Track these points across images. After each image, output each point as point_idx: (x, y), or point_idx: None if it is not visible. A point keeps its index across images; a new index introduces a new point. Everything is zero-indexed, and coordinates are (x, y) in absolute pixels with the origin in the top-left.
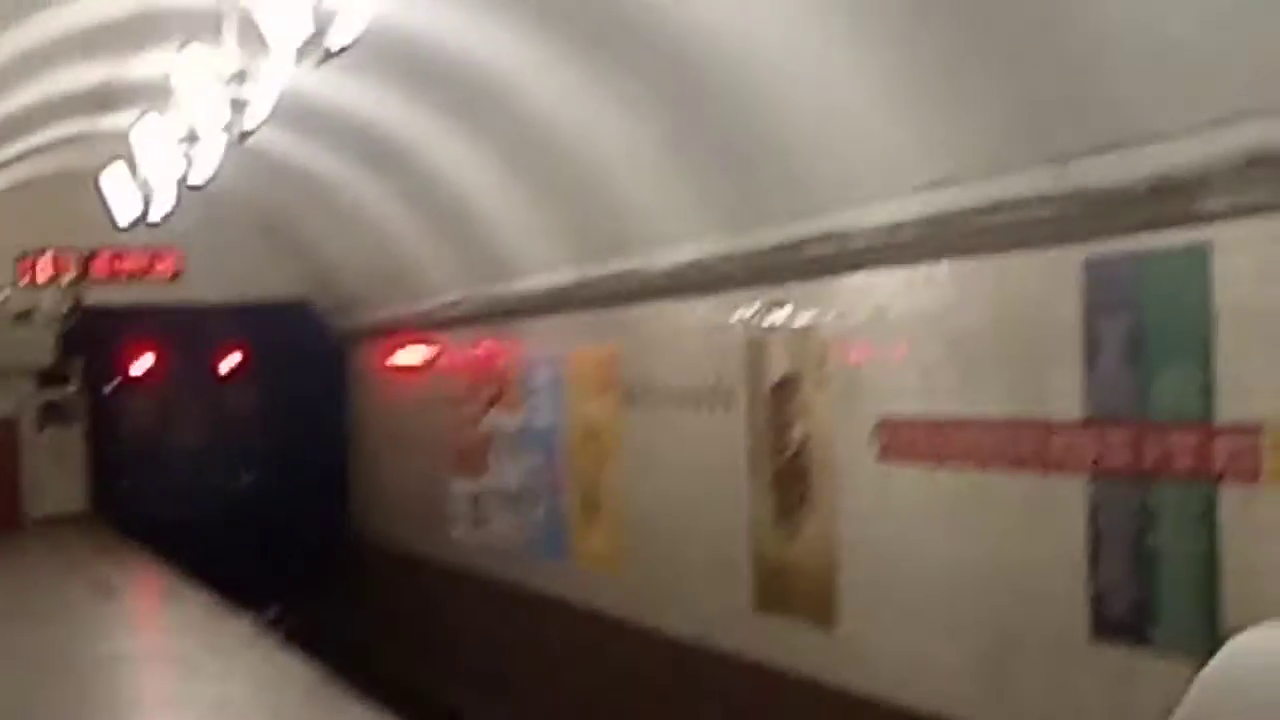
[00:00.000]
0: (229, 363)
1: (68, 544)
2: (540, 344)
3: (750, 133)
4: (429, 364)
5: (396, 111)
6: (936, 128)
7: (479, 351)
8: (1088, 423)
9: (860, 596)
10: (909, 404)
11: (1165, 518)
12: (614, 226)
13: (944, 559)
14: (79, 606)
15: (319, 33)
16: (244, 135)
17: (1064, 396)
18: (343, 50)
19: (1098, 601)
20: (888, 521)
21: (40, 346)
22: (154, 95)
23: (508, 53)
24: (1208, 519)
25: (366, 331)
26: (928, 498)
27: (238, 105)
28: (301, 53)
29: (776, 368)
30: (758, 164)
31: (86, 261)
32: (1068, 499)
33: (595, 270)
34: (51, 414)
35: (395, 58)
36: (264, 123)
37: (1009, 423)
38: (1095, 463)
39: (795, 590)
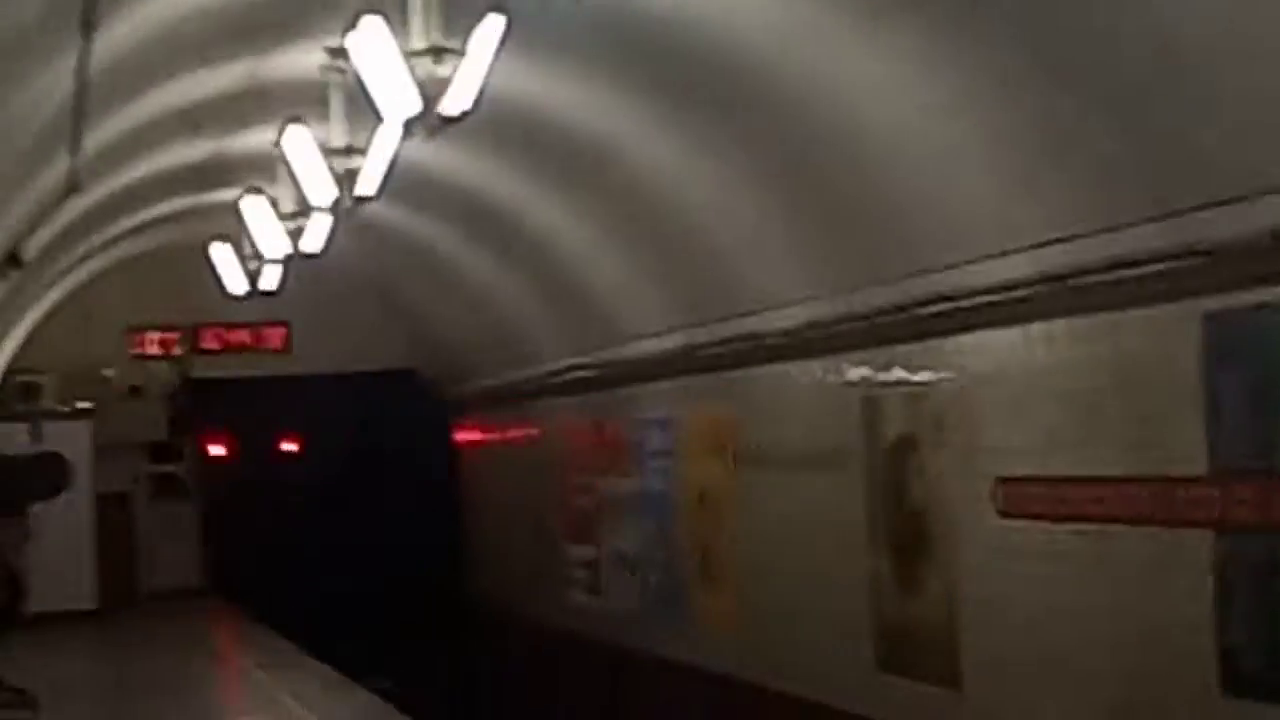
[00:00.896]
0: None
1: (184, 618)
2: (653, 409)
3: (861, 195)
4: (540, 430)
5: (505, 180)
6: (1049, 185)
7: (591, 417)
8: (1213, 476)
9: (984, 655)
10: (1028, 462)
11: None
12: (726, 290)
13: (1069, 616)
14: (200, 681)
15: (429, 105)
16: (357, 201)
17: (1188, 451)
18: (454, 121)
19: (1228, 656)
20: (1010, 580)
21: (152, 421)
22: (262, 169)
23: (617, 119)
24: None
25: (476, 399)
26: (1050, 555)
27: (346, 178)
28: (411, 125)
29: (892, 428)
30: (869, 226)
31: (194, 336)
32: (1195, 554)
33: (707, 334)
34: (164, 488)
35: (504, 127)
36: (374, 197)
37: (1132, 478)
38: (1221, 516)
39: (918, 649)
